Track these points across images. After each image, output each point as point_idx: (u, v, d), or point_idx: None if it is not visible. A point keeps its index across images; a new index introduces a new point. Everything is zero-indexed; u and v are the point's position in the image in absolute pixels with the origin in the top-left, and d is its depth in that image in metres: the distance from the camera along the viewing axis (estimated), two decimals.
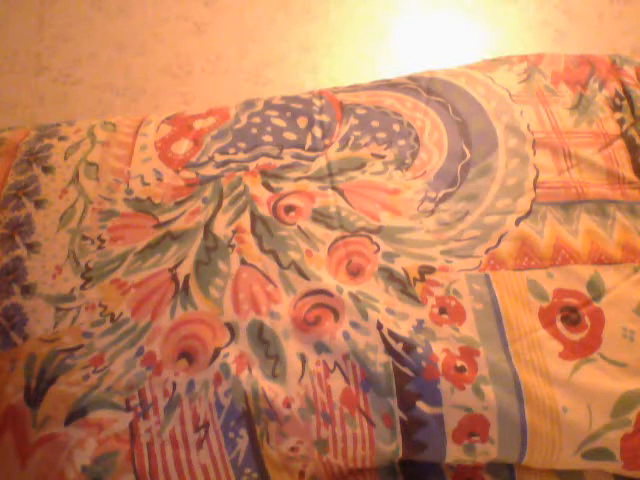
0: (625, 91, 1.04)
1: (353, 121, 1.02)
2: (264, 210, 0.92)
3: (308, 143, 1.00)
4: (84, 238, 0.91)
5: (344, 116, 1.03)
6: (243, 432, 0.75)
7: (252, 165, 0.97)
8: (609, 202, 0.92)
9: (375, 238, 0.89)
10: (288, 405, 0.76)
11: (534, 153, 0.96)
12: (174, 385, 0.77)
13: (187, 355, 0.79)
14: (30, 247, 0.91)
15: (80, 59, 1.66)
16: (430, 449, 0.77)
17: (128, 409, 0.76)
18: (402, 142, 0.99)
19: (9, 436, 0.76)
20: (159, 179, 0.97)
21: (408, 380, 0.77)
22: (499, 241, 0.88)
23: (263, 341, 0.80)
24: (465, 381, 0.77)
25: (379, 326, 0.80)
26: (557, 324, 0.82)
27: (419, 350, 0.78)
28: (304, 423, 0.76)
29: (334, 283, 0.84)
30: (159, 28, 1.71)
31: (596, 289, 0.85)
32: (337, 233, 0.89)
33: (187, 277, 0.85)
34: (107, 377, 0.78)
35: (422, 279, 0.85)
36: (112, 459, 0.74)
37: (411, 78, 1.10)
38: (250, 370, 0.78)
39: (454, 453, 0.77)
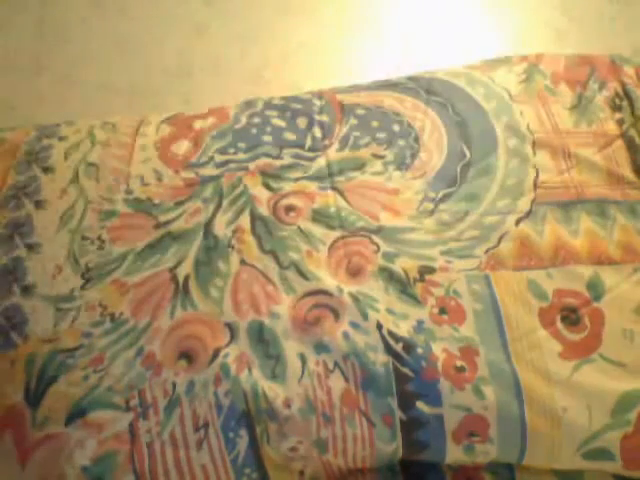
0: (625, 91, 1.04)
1: (353, 121, 1.02)
2: (264, 210, 0.92)
3: (308, 143, 1.00)
4: (84, 238, 0.91)
5: (344, 116, 1.03)
6: (243, 432, 0.75)
7: (252, 165, 0.97)
8: (609, 202, 0.92)
9: (375, 238, 0.89)
10: (288, 405, 0.76)
11: (534, 153, 0.96)
12: (174, 385, 0.77)
13: (187, 355, 0.79)
14: (30, 247, 0.91)
15: (80, 59, 1.66)
16: (430, 449, 0.77)
17: (128, 409, 0.76)
18: (402, 142, 0.99)
19: (9, 436, 0.76)
20: (159, 179, 0.97)
21: (408, 380, 0.77)
22: (499, 241, 0.88)
23: (263, 341, 0.80)
24: (465, 381, 0.77)
25: (379, 326, 0.80)
26: (557, 324, 0.82)
27: (419, 350, 0.78)
28: (304, 423, 0.76)
29: (334, 283, 0.84)
30: (159, 28, 1.70)
31: (596, 289, 0.85)
32: (337, 233, 0.89)
33: (187, 277, 0.85)
34: (107, 377, 0.78)
35: (422, 279, 0.85)
36: (112, 459, 0.74)
37: (411, 78, 1.10)
38: (250, 370, 0.78)
39: (454, 453, 0.77)
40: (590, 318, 0.83)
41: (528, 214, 0.91)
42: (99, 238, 0.91)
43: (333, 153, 0.99)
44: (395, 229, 0.90)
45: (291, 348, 0.80)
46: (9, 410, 0.77)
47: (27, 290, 0.86)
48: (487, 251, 0.87)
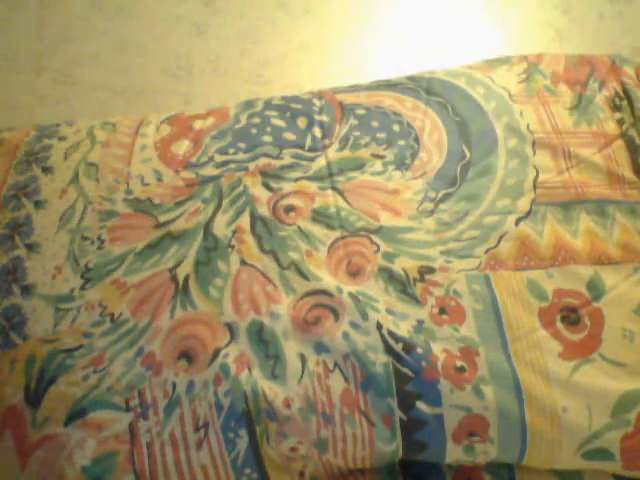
0: (625, 91, 1.04)
1: (353, 121, 1.02)
2: (264, 210, 0.92)
3: (308, 143, 1.00)
4: (84, 238, 0.91)
5: (344, 116, 1.03)
6: (243, 432, 0.75)
7: (252, 165, 0.97)
8: (609, 202, 0.92)
9: (375, 238, 0.89)
10: (288, 405, 0.76)
11: (534, 153, 0.96)
12: (174, 385, 0.77)
13: (187, 355, 0.79)
14: (30, 247, 0.91)
15: (80, 59, 1.66)
16: (430, 449, 0.77)
17: (128, 409, 0.76)
18: (402, 142, 0.99)
19: (9, 436, 0.76)
20: (159, 179, 0.97)
21: (408, 380, 0.77)
22: (499, 241, 0.88)
23: (263, 341, 0.80)
24: (465, 381, 0.77)
25: (379, 326, 0.80)
26: (557, 324, 0.82)
27: (419, 350, 0.78)
28: (304, 423, 0.76)
29: (334, 283, 0.84)
30: (159, 28, 1.70)
31: (596, 289, 0.85)
32: (337, 233, 0.89)
33: (187, 277, 0.85)
34: (107, 377, 0.78)
35: (422, 279, 0.85)
36: (112, 459, 0.74)
37: (411, 78, 1.10)
38: (250, 370, 0.78)
39: (454, 453, 0.77)
40: (590, 318, 0.83)
41: (528, 214, 0.91)
42: (99, 238, 0.91)
43: (333, 153, 0.99)
44: (395, 229, 0.90)
45: (291, 348, 0.80)
46: (9, 410, 0.77)
47: (27, 290, 0.87)
48: (487, 251, 0.87)
